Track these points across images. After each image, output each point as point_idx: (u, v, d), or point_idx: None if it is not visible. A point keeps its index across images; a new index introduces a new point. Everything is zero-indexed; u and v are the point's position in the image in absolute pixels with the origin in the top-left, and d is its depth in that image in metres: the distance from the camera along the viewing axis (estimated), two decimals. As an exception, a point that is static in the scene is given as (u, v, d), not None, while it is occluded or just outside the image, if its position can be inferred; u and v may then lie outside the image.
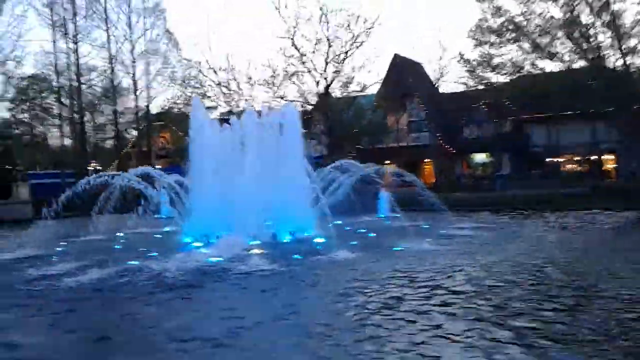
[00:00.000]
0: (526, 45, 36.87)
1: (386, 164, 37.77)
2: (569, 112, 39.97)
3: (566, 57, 35.67)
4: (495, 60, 38.23)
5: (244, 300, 8.60)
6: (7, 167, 41.24)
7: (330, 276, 10.23)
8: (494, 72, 38.76)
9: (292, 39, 41.20)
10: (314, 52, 41.94)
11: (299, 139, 17.48)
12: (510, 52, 37.63)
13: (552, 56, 36.14)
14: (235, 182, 15.89)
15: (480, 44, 38.51)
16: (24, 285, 10.18)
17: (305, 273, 10.68)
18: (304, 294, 9.06)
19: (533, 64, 37.39)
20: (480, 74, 39.68)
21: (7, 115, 59.22)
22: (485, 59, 38.62)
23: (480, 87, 41.02)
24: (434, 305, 7.57)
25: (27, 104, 58.85)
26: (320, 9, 40.98)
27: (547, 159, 44.88)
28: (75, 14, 46.13)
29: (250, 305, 8.25)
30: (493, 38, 38.00)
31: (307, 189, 16.95)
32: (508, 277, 9.41)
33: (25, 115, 61.30)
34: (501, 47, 37.71)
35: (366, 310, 7.40)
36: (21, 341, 6.65)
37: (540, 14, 35.95)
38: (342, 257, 12.15)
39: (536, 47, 36.28)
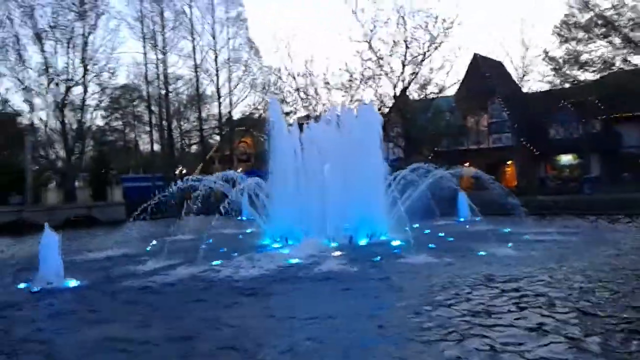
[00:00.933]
0: (617, 41, 34.89)
1: (465, 166, 36.93)
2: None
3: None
4: (583, 57, 36.46)
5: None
6: (102, 171, 44.10)
7: (411, 279, 10.23)
8: (582, 70, 36.93)
9: (369, 42, 41.28)
10: (391, 54, 41.79)
11: (377, 140, 17.46)
12: (599, 48, 35.79)
13: (645, 51, 33.96)
14: (314, 185, 16.20)
15: (566, 40, 36.86)
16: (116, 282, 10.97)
17: (381, 273, 10.77)
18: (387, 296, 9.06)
19: (625, 60, 35.28)
20: (567, 71, 37.95)
21: (102, 123, 63.52)
22: (572, 56, 36.91)
23: (567, 85, 39.18)
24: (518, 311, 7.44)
25: (120, 112, 62.87)
26: (398, 11, 40.79)
27: (642, 161, 42.05)
28: (163, 27, 48.77)
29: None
30: (581, 34, 36.25)
31: (384, 192, 16.97)
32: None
33: (119, 122, 65.51)
34: (589, 43, 35.92)
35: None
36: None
37: (634, 6, 33.89)
38: (422, 261, 12.07)
39: (628, 42, 34.23)
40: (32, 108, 44.00)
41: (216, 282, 10.44)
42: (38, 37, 42.72)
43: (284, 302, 8.79)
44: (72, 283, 10.90)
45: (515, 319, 7.03)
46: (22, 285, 10.81)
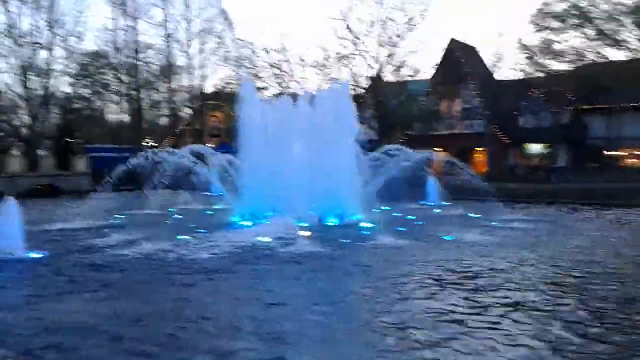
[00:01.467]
0: (590, 32, 35.32)
1: (437, 151, 37.15)
2: (632, 104, 38.12)
3: (633, 45, 33.92)
4: (556, 47, 36.86)
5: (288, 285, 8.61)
6: (67, 139, 42.87)
7: (377, 262, 10.18)
8: (555, 59, 37.34)
9: (345, 20, 40.83)
10: (367, 34, 41.48)
11: (350, 120, 17.25)
12: (573, 39, 36.17)
13: (617, 44, 34.49)
14: (284, 163, 15.99)
15: (541, 29, 37.18)
16: (78, 254, 10.62)
17: (352, 258, 10.70)
18: (349, 280, 8.98)
19: (597, 52, 35.79)
20: (540, 60, 38.33)
21: (69, 90, 61.64)
22: (545, 45, 37.24)
23: (539, 74, 39.61)
24: (471, 290, 7.45)
25: (88, 79, 61.01)
26: (375, -12, 40.31)
27: (606, 152, 43.04)
28: (134, -8, 47.19)
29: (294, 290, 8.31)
30: (555, 23, 36.60)
31: (355, 173, 16.87)
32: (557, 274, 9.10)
33: (86, 90, 63.61)
34: (563, 33, 36.28)
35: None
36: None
37: (608, -1, 34.31)
38: (388, 244, 12.04)
39: (601, 34, 34.70)
40: (-6, 71, 42.32)
41: (179, 259, 10.14)
42: (2, -4, 40.91)
43: (246, 284, 8.46)
44: (33, 255, 10.53)
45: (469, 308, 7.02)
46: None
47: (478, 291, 7.84)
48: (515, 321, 6.32)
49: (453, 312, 6.72)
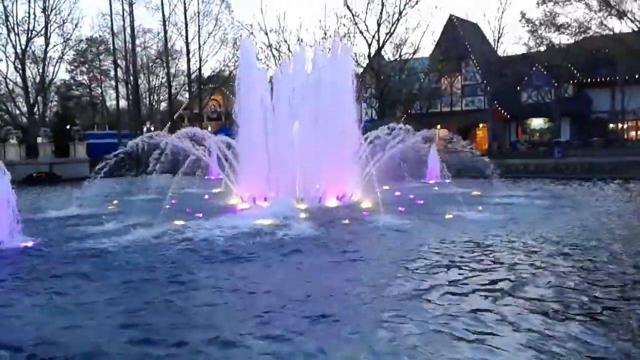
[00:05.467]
0: (594, 3, 34.65)
1: (438, 128, 36.76)
2: (637, 76, 37.53)
3: (638, 16, 33.27)
4: (560, 20, 36.24)
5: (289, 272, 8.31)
6: (66, 126, 42.62)
7: (375, 244, 9.97)
8: (558, 32, 36.73)
9: (344, -2, 40.20)
10: (366, 12, 40.90)
11: (350, 93, 16.86)
12: (576, 11, 35.62)
13: (622, 15, 33.81)
14: (283, 143, 15.70)
15: (544, 1, 36.47)
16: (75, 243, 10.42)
17: (348, 237, 10.49)
18: (347, 266, 8.61)
19: (601, 24, 35.14)
20: (543, 34, 37.72)
21: (67, 77, 61.29)
22: (548, 18, 36.60)
23: (542, 48, 39.01)
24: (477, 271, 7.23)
25: (86, 66, 60.62)
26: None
27: (611, 126, 42.58)
28: (130, -25, 46.51)
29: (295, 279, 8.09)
30: (559, -5, 35.89)
31: (356, 152, 16.58)
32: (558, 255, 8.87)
33: (84, 77, 63.25)
34: (567, 4, 35.63)
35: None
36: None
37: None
38: (390, 225, 11.81)
39: (605, 4, 33.99)
40: (-10, 59, 41.99)
41: (175, 245, 9.88)
42: (-4, -16, 40.43)
43: (241, 273, 8.00)
44: (26, 243, 10.33)
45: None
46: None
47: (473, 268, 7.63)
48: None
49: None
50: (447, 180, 18.03)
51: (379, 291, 6.69)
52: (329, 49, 17.66)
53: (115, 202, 17.19)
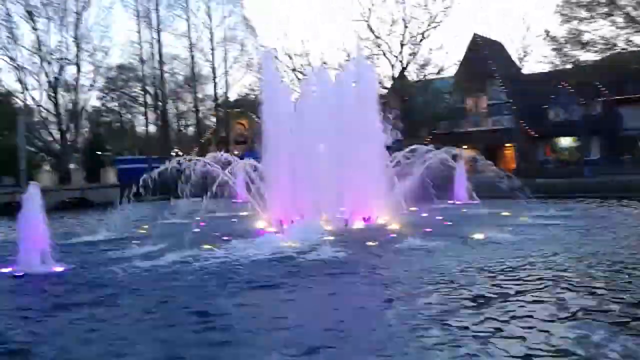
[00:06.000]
0: (620, 20, 34.30)
1: (464, 148, 36.51)
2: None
3: (665, 32, 32.80)
4: (585, 37, 35.89)
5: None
6: (96, 152, 43.64)
7: (403, 266, 9.89)
8: (583, 50, 36.38)
9: (367, 21, 40.62)
10: (389, 34, 41.19)
11: (374, 103, 16.88)
12: (602, 28, 35.19)
13: (649, 30, 33.36)
14: (308, 166, 15.81)
15: (568, 19, 36.24)
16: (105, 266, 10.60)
17: (377, 260, 10.43)
18: (369, 290, 8.47)
19: (628, 40, 34.69)
20: (568, 52, 37.38)
21: (97, 103, 62.87)
22: (573, 36, 36.33)
23: (568, 66, 38.62)
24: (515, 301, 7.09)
25: (116, 92, 62.16)
26: (396, -12, 40.01)
27: (642, 143, 41.70)
28: (157, 4, 47.94)
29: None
30: (583, 13, 35.65)
31: (382, 174, 16.58)
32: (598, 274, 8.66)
33: (114, 103, 64.82)
34: (592, 22, 35.33)
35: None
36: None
37: (637, -16, 33.24)
38: (417, 247, 11.73)
39: (631, 21, 33.59)
40: (25, 88, 43.37)
41: (199, 271, 9.90)
42: (30, 14, 41.99)
43: (269, 301, 7.86)
44: (57, 268, 10.52)
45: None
46: (5, 270, 10.39)
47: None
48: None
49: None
50: (475, 201, 17.84)
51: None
52: (353, 67, 17.70)
53: (145, 226, 17.44)
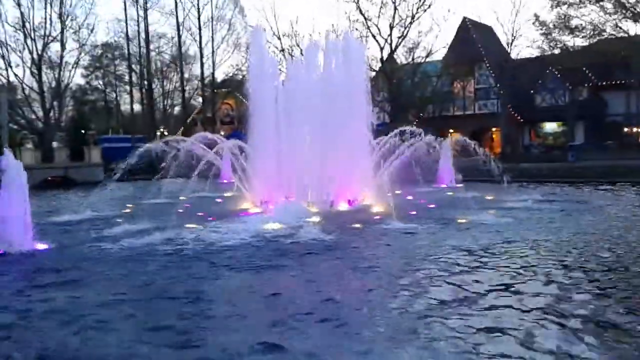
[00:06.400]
0: (609, 5, 34.32)
1: (451, 132, 36.65)
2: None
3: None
4: (574, 22, 35.95)
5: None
6: (81, 131, 43.07)
7: (388, 249, 9.95)
8: (572, 35, 36.44)
9: (356, 2, 40.28)
10: (379, 16, 40.90)
11: (362, 84, 16.78)
12: (590, 13, 35.20)
13: (637, 17, 33.45)
14: (294, 146, 15.77)
15: (558, 4, 36.20)
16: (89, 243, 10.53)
17: (359, 242, 10.47)
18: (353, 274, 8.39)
19: (616, 26, 34.80)
20: (557, 37, 37.44)
21: (82, 82, 61.98)
22: (562, 21, 36.33)
23: (556, 51, 38.71)
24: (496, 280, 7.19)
25: (101, 71, 61.26)
26: (387, -30, 39.67)
27: (626, 129, 42.08)
28: (144, -18, 47.01)
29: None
30: (573, -3, 35.61)
31: (367, 156, 16.59)
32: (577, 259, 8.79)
33: (99, 82, 63.91)
34: (581, 7, 35.33)
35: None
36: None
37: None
38: (400, 228, 11.80)
39: (620, 7, 33.65)
40: (8, 65, 42.48)
41: (184, 250, 9.86)
42: (13, -9, 40.97)
43: (248, 282, 7.76)
44: (41, 246, 10.42)
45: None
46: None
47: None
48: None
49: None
50: (459, 184, 17.94)
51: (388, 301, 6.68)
52: (341, 45, 17.46)
53: (129, 205, 17.33)
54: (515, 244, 9.79)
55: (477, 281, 7.21)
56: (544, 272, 7.64)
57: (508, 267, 8.02)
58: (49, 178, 31.81)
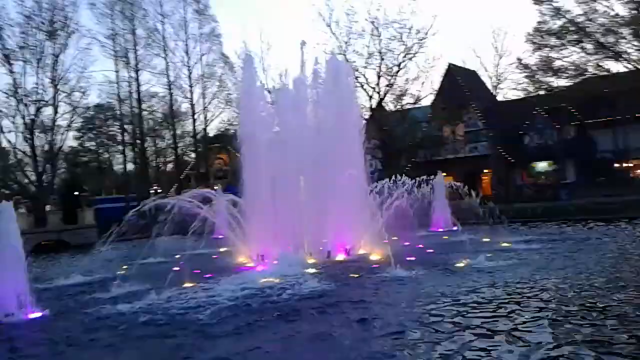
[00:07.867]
0: (589, 46, 35.36)
1: (444, 176, 36.80)
2: (637, 114, 37.74)
3: (633, 56, 33.85)
4: (556, 64, 36.90)
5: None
6: (73, 193, 42.99)
7: (388, 298, 9.80)
8: (555, 77, 37.35)
9: (344, 54, 41.23)
10: (366, 66, 41.82)
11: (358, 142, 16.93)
12: (572, 55, 36.21)
13: (618, 56, 34.45)
14: (288, 197, 15.78)
15: (539, 47, 37.28)
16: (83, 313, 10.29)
17: (359, 294, 10.33)
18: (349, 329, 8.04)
19: (598, 65, 35.75)
20: (541, 78, 38.34)
21: (74, 143, 62.36)
22: (545, 63, 37.30)
23: (541, 92, 39.54)
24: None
25: (94, 132, 61.80)
26: (372, 22, 40.91)
27: (615, 165, 42.48)
28: (135, 44, 48.13)
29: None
30: (553, 40, 36.75)
31: (363, 204, 16.55)
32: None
33: (92, 143, 64.32)
34: (562, 49, 36.38)
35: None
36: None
37: (604, 12, 34.42)
38: (399, 276, 11.67)
39: (600, 47, 34.69)
40: (0, 130, 42.83)
41: (179, 314, 9.45)
42: (6, 58, 41.77)
43: (244, 344, 7.40)
44: (34, 314, 10.16)
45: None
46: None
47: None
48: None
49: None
50: (455, 228, 17.90)
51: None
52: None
53: (124, 267, 17.10)
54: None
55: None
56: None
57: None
58: (43, 242, 31.52)
